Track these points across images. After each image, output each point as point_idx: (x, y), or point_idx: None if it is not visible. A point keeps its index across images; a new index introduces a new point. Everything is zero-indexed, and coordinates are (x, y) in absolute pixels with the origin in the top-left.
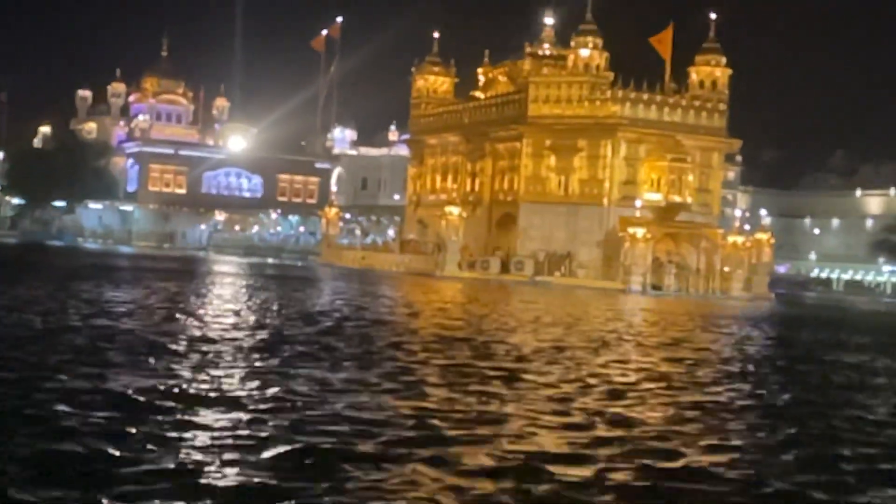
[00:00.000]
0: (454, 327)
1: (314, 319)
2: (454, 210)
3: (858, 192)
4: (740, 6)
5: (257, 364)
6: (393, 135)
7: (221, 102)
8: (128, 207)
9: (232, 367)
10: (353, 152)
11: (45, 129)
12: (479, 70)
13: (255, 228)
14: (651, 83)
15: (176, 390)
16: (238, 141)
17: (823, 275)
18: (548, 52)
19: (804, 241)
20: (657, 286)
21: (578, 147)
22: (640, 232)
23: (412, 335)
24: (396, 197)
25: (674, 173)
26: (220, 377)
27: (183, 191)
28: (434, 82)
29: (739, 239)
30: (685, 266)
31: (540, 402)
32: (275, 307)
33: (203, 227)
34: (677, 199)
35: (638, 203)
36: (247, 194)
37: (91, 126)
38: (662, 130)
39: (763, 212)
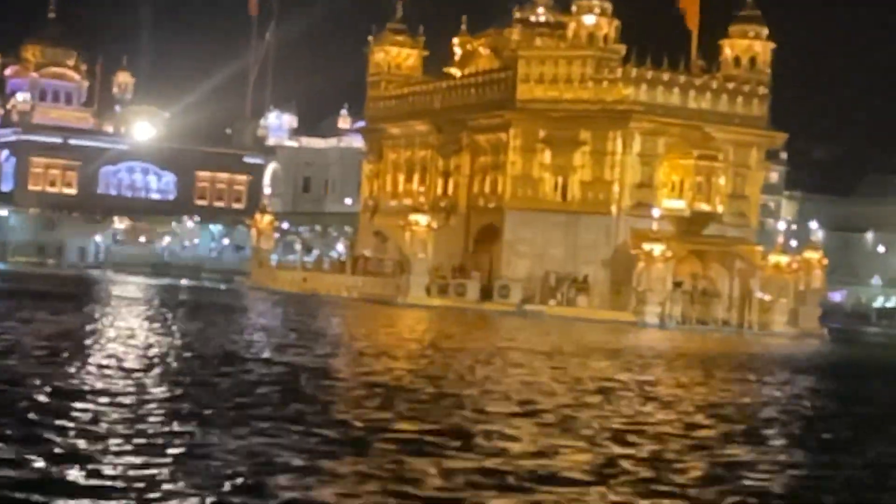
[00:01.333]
0: (397, 375)
1: (216, 365)
2: (421, 219)
3: None
4: None
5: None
6: (344, 121)
7: (124, 78)
8: (1, 212)
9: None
10: (293, 143)
11: None
12: (455, 41)
13: (167, 240)
14: (673, 60)
15: None
16: (145, 128)
17: (890, 304)
18: (542, 19)
19: (866, 262)
20: (679, 318)
21: (580, 140)
22: (657, 249)
23: (339, 385)
24: (348, 201)
25: (701, 174)
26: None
27: (73, 191)
28: (397, 56)
29: (783, 259)
30: (715, 293)
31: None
32: (173, 348)
33: (99, 238)
34: (705, 207)
35: (655, 212)
36: (156, 196)
37: None
38: (687, 120)
39: (814, 224)
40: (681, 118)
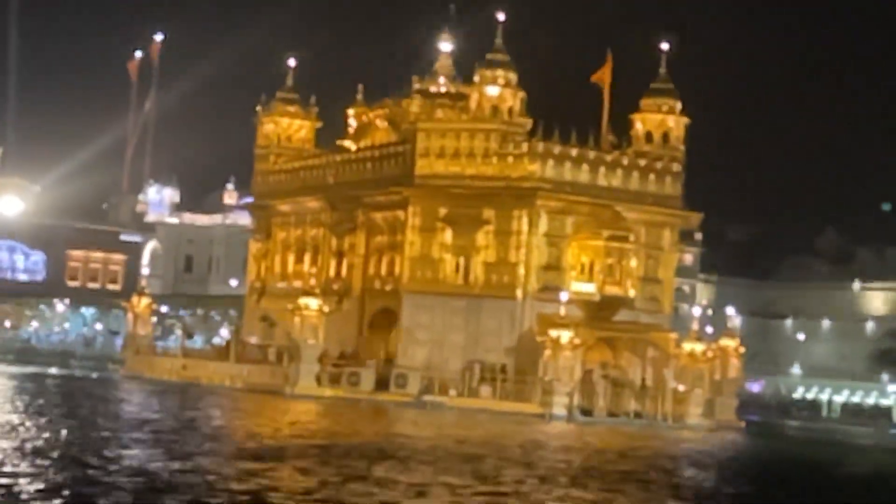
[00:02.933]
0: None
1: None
2: (312, 303)
3: (857, 286)
4: (699, 36)
5: None
6: (230, 197)
7: None
8: None
9: None
10: (175, 220)
11: None
12: (350, 112)
13: (34, 325)
14: (583, 134)
15: None
16: (13, 202)
17: (811, 395)
18: (443, 90)
19: (785, 350)
20: (587, 410)
21: (483, 219)
22: (565, 336)
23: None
24: (234, 283)
25: (612, 256)
26: None
27: None
28: (288, 127)
29: (698, 347)
30: (626, 383)
31: None
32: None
33: None
34: (616, 291)
35: (563, 296)
36: (23, 276)
37: None
38: (597, 198)
39: (731, 309)
40: (590, 196)
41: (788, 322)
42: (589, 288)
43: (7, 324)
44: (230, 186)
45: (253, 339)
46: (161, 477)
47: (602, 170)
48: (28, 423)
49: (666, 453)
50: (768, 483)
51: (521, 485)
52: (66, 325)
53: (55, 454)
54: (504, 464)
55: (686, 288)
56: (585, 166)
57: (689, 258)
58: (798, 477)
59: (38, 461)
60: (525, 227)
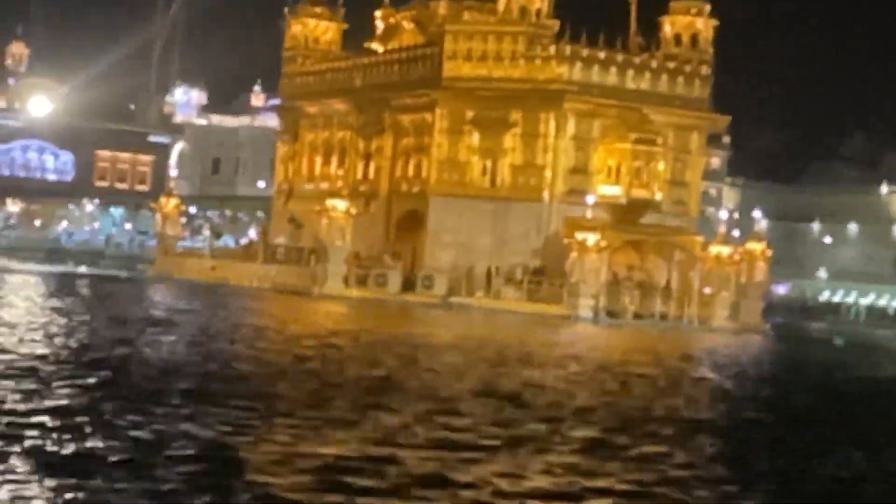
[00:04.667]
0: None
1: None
2: (340, 204)
3: (884, 189)
4: None
5: None
6: (257, 99)
7: (18, 49)
8: None
9: None
10: (203, 122)
11: None
12: (378, 14)
13: (64, 224)
14: (611, 37)
15: None
16: (41, 103)
17: (836, 298)
18: None
19: (811, 254)
20: (613, 312)
21: (511, 121)
22: (591, 239)
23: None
24: (261, 184)
25: (639, 159)
26: None
27: None
28: (315, 29)
29: (725, 250)
30: (652, 285)
31: None
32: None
33: None
34: (643, 194)
35: (590, 199)
36: (52, 177)
37: None
38: (624, 101)
39: (757, 213)
40: (618, 99)
41: (815, 226)
42: (616, 191)
43: (37, 223)
44: (257, 88)
45: (280, 240)
46: (182, 365)
47: (630, 72)
48: (58, 321)
49: (689, 354)
50: (789, 386)
51: (537, 384)
52: (95, 224)
53: (78, 345)
54: (521, 364)
55: (713, 192)
56: (613, 69)
57: (716, 162)
58: (820, 379)
59: (65, 354)
60: (552, 130)
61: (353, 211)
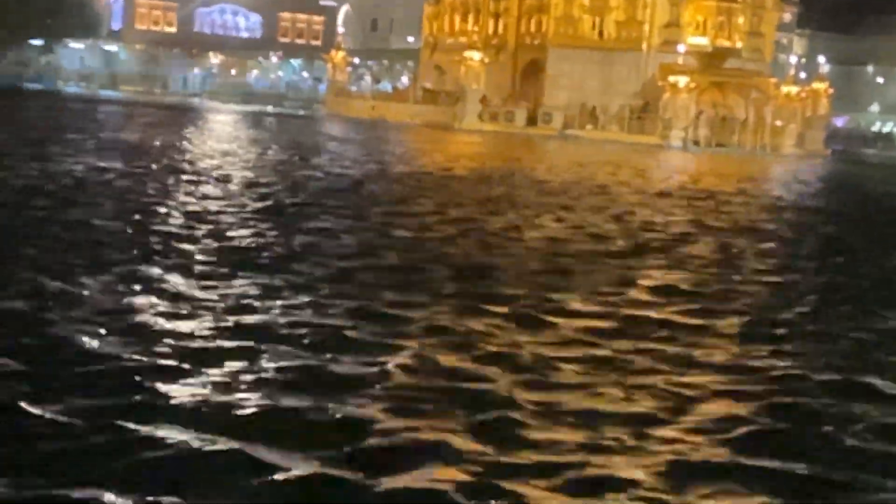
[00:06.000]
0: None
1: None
2: (475, 55)
3: None
4: None
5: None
6: None
7: None
8: (112, 48)
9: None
10: None
11: None
12: None
13: (254, 73)
14: None
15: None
16: None
17: (886, 129)
18: None
19: (866, 92)
20: (698, 141)
21: None
22: (682, 81)
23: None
24: (411, 39)
25: (722, 14)
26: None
27: (173, 29)
28: None
29: (794, 89)
30: (732, 119)
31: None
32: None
33: (197, 70)
34: (726, 43)
35: (681, 48)
36: (244, 34)
37: None
38: None
39: (821, 59)
40: None
41: (869, 68)
42: (703, 41)
43: (233, 72)
44: None
45: (427, 85)
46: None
47: None
48: (250, 150)
49: (762, 174)
50: (847, 198)
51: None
52: (280, 73)
53: (268, 166)
54: (621, 181)
55: (784, 41)
56: None
57: (787, 16)
58: (871, 191)
59: (255, 172)
60: None
61: (486, 60)
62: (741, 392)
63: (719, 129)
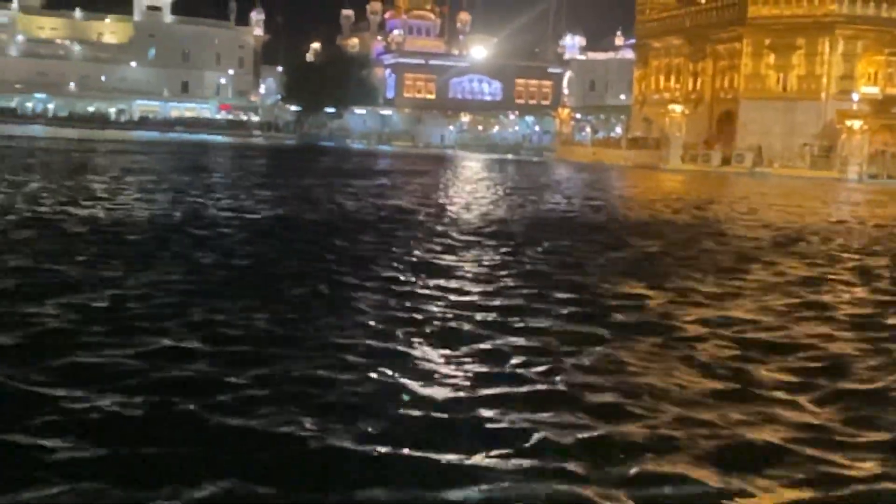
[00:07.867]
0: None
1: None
2: (677, 108)
3: None
4: None
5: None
6: (619, 40)
7: (465, 16)
8: (387, 112)
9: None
10: (583, 57)
11: (315, 46)
12: None
13: (496, 128)
14: None
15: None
16: (480, 50)
17: None
18: None
19: None
20: (874, 175)
21: (797, 45)
22: (857, 124)
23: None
24: (622, 97)
25: (891, 66)
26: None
27: (433, 96)
28: None
29: None
30: None
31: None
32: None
33: (451, 127)
34: (894, 92)
35: (855, 97)
36: (488, 98)
37: (354, 41)
38: (880, 27)
39: None
40: (875, 25)
41: None
42: (874, 90)
43: (479, 128)
44: (619, 33)
45: (638, 133)
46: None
47: (884, 5)
48: (491, 192)
49: None
50: None
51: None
52: (517, 127)
53: (501, 199)
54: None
55: None
56: (871, 4)
57: None
58: None
59: (488, 208)
60: (827, 49)
61: (686, 112)
62: None
63: (891, 164)
